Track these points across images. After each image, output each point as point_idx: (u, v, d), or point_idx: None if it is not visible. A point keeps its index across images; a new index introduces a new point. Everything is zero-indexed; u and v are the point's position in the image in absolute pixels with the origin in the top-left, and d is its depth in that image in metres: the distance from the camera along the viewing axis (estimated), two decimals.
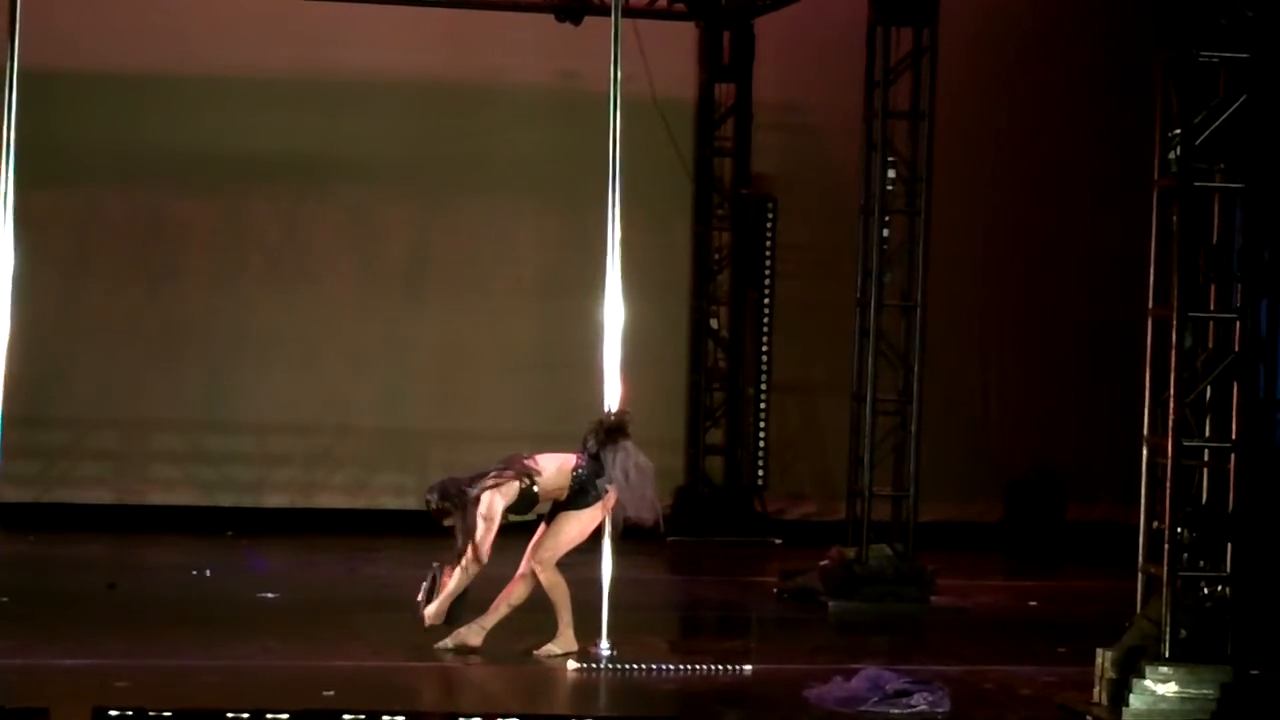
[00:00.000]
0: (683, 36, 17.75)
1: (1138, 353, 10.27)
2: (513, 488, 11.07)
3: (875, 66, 13.89)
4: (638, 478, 11.21)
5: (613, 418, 11.25)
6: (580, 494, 11.16)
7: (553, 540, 11.15)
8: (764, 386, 17.69)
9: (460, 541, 11.08)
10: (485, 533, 11.01)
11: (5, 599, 11.05)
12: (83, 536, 16.02)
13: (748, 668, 10.97)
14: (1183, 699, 9.75)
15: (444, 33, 17.33)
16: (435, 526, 11.29)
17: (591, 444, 11.16)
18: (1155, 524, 10.06)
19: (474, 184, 17.56)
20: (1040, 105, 18.18)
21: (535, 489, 11.10)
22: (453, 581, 11.11)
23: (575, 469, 11.14)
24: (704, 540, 17.10)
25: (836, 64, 16.12)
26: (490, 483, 11.05)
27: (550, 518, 11.22)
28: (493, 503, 11.04)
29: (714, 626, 13.69)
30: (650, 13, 16.94)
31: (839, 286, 15.35)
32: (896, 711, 9.90)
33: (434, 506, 11.18)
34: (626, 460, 11.17)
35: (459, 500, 11.09)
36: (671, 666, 10.94)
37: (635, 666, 10.93)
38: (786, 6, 16.75)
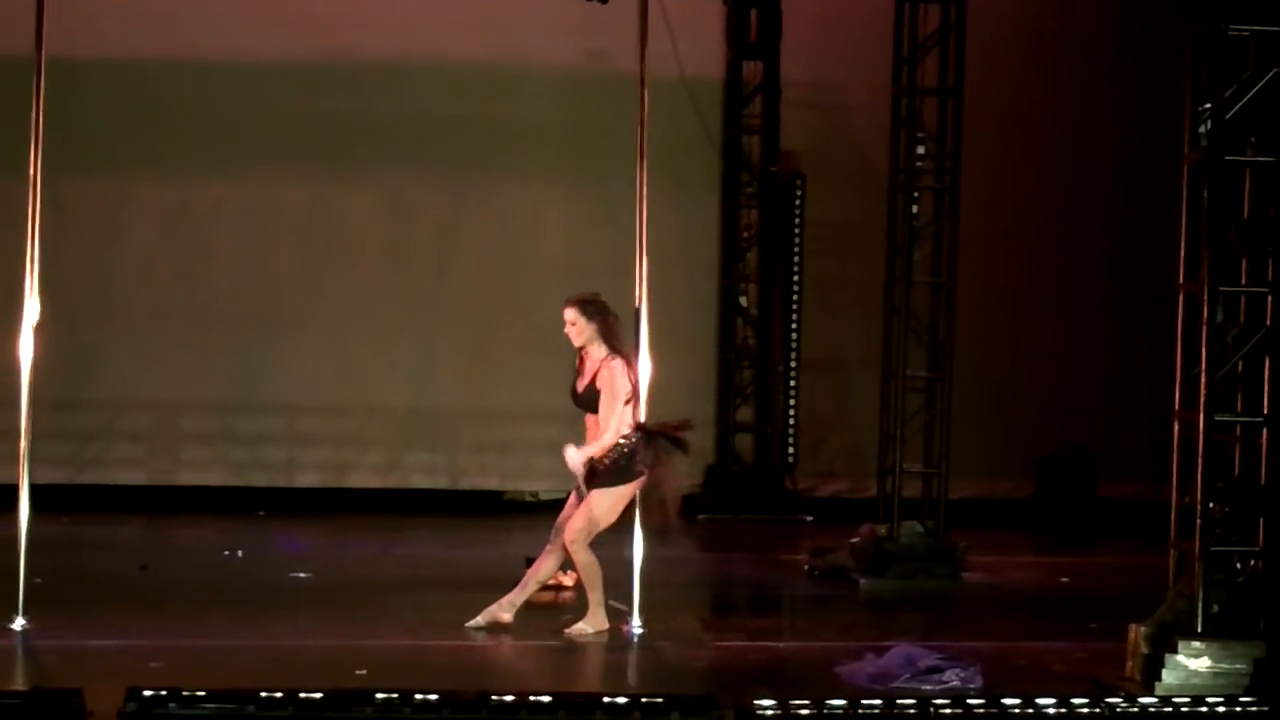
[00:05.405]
0: (710, 14, 17.70)
1: (1169, 328, 10.24)
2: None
3: (903, 42, 13.85)
4: (668, 456, 11.22)
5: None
6: (617, 472, 11.12)
7: (586, 518, 11.13)
8: (793, 364, 17.66)
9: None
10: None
11: (39, 580, 11.08)
12: (116, 517, 16.07)
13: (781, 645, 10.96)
14: (1215, 674, 9.72)
15: (471, 13, 17.30)
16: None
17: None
18: (1187, 499, 10.04)
19: (502, 164, 17.54)
20: (1069, 80, 18.10)
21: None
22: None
23: (622, 441, 11.09)
24: (734, 518, 17.09)
25: (864, 40, 16.09)
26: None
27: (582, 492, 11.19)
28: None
29: (745, 604, 13.69)
30: None
31: (868, 263, 15.33)
32: (929, 688, 9.88)
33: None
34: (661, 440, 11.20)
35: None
36: (703, 644, 10.93)
37: (666, 644, 10.93)
38: None
